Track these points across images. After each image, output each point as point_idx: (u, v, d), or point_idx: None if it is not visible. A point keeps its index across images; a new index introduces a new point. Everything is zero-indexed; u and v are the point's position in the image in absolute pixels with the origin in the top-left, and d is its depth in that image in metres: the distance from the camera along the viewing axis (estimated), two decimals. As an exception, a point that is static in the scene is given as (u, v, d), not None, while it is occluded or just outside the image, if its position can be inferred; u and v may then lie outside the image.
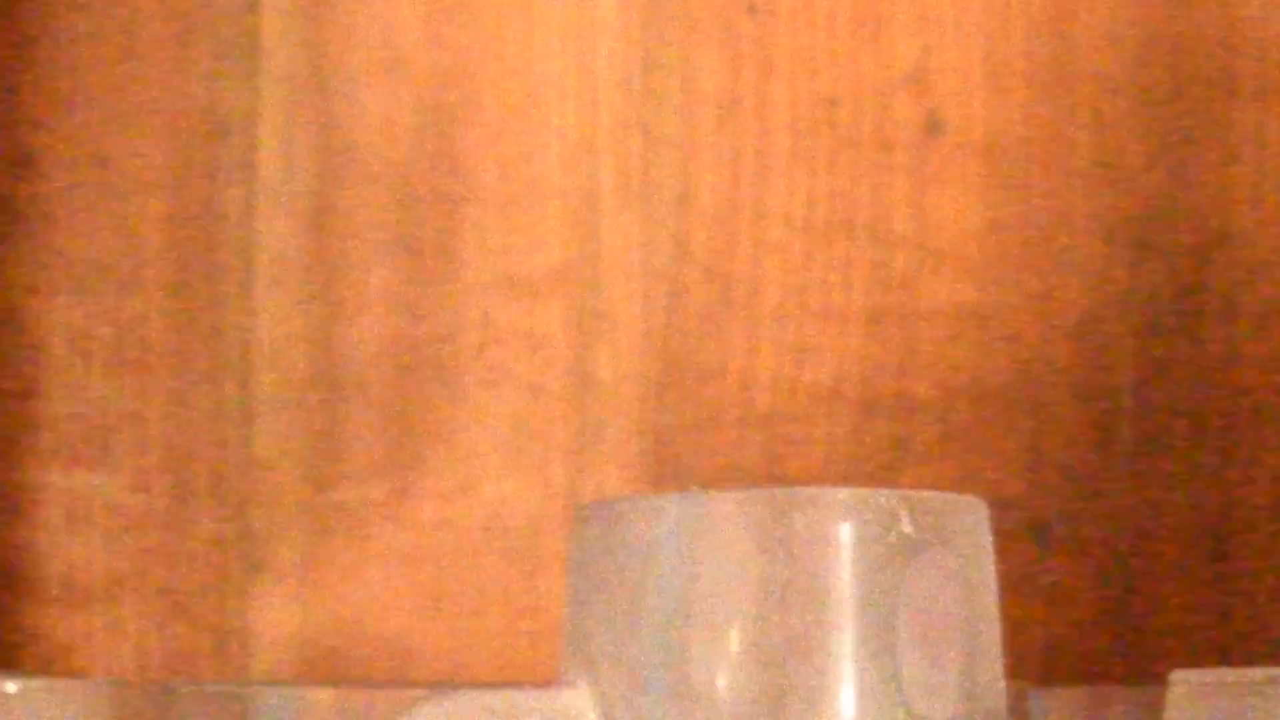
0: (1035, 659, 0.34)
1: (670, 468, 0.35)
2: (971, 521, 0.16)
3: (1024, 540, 0.35)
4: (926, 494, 0.16)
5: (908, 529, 0.15)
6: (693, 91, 0.36)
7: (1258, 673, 0.13)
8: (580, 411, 0.35)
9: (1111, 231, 0.35)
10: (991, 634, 0.16)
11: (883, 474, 0.35)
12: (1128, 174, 0.35)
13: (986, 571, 0.16)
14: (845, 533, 0.15)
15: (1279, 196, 0.35)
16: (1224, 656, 0.33)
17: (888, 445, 0.35)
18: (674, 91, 0.36)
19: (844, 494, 0.16)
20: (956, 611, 0.16)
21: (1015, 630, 0.18)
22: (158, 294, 0.36)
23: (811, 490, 0.17)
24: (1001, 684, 0.17)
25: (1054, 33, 0.35)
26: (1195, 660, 0.32)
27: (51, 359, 0.36)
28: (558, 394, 0.35)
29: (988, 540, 0.17)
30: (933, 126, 0.36)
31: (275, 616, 0.36)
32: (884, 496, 0.16)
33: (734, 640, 0.15)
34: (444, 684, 0.29)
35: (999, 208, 0.35)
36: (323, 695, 0.24)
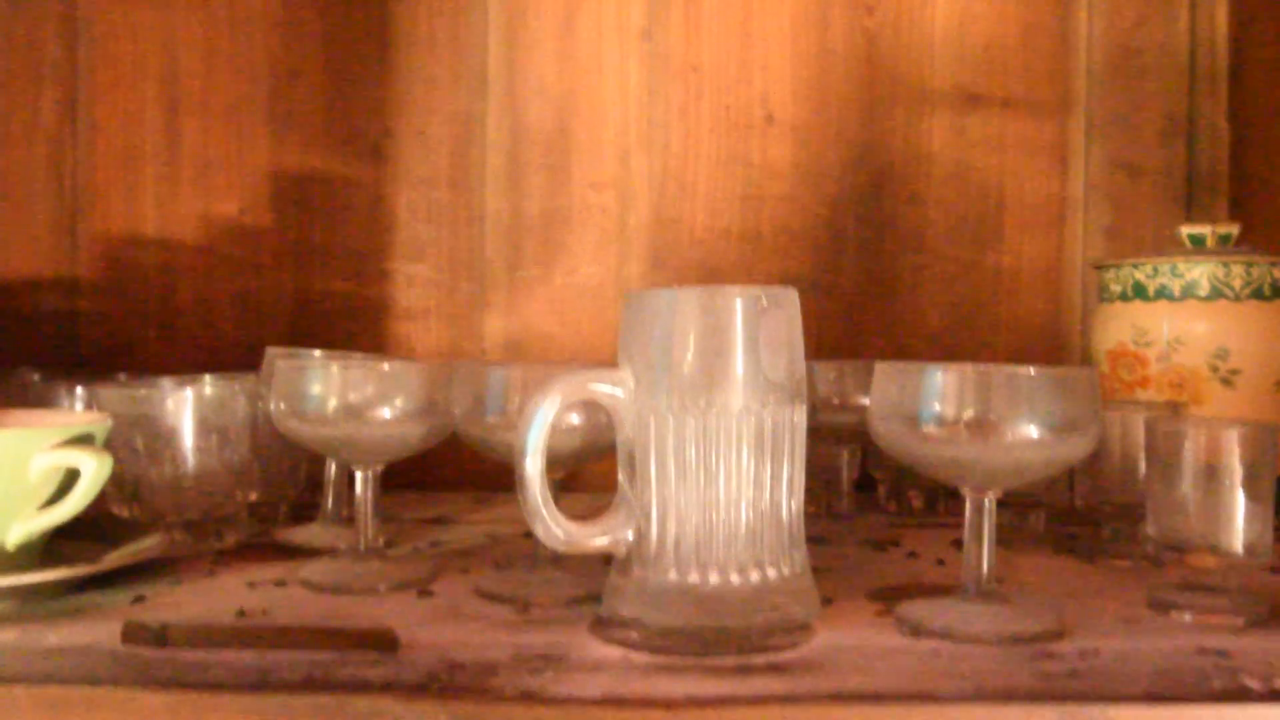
0: (818, 349, 0.83)
1: (660, 263, 0.85)
2: (790, 297, 0.45)
3: (808, 291, 0.84)
4: (773, 287, 0.45)
5: (765, 303, 0.51)
6: (670, 106, 0.84)
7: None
8: (621, 240, 0.85)
9: (847, 165, 0.84)
10: (798, 347, 0.45)
11: (748, 263, 0.84)
12: (838, 151, 0.84)
13: (796, 320, 0.45)
14: (739, 305, 0.44)
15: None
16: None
17: (750, 253, 0.84)
18: (663, 105, 0.85)
19: (738, 289, 0.44)
20: (784, 337, 0.44)
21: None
22: (445, 185, 0.85)
23: (725, 287, 0.44)
24: (803, 366, 0.45)
25: (819, 81, 0.84)
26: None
27: (400, 219, 0.85)
28: (613, 232, 0.85)
29: (796, 306, 0.46)
30: (769, 118, 0.84)
31: (494, 327, 0.85)
32: (756, 290, 0.44)
33: (690, 350, 0.42)
34: (567, 361, 0.79)
35: (799, 153, 0.84)
36: (514, 371, 0.74)
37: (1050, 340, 0.84)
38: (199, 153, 0.85)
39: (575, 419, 0.49)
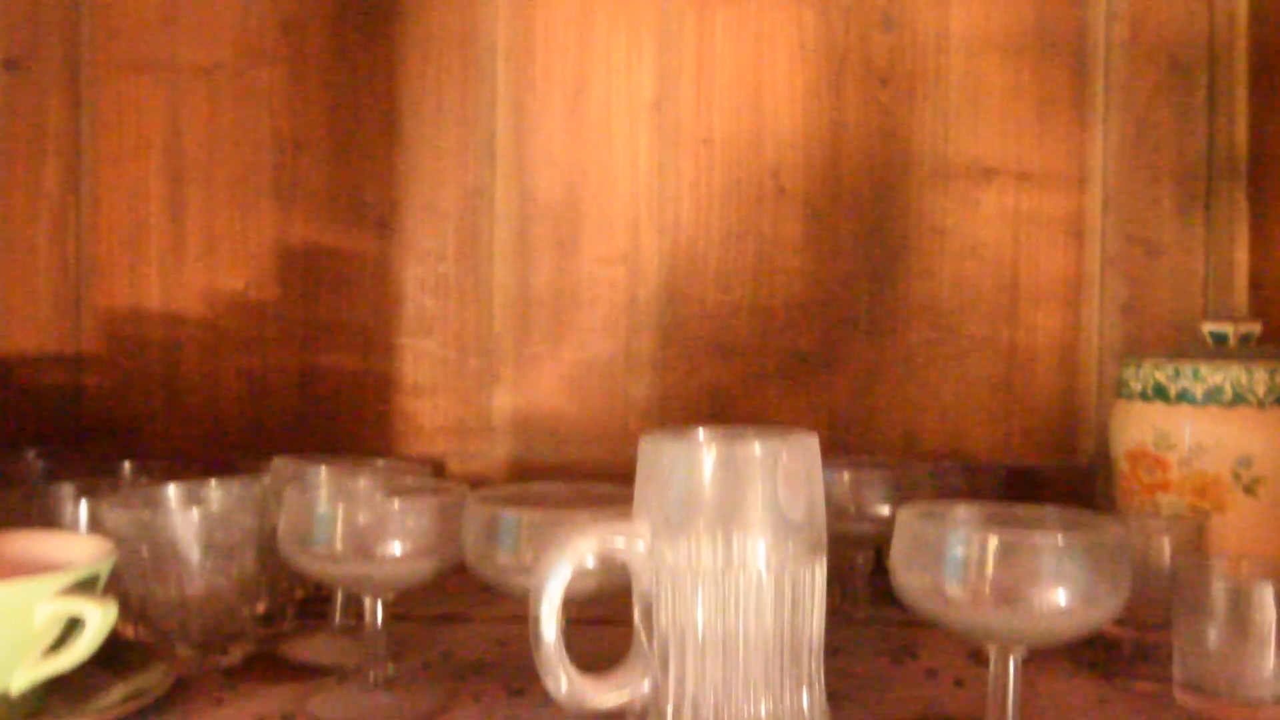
0: (830, 426, 0.82)
1: (670, 338, 0.83)
2: (810, 445, 0.43)
3: (819, 368, 0.83)
4: (794, 436, 0.43)
5: (785, 457, 0.42)
6: (681, 179, 0.83)
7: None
8: (631, 315, 0.84)
9: (859, 238, 0.83)
10: (818, 493, 0.43)
11: (759, 339, 0.83)
12: (819, 228, 0.83)
13: (815, 466, 0.43)
14: (756, 450, 0.42)
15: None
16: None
17: (761, 328, 0.83)
18: (673, 178, 0.83)
19: (757, 441, 0.42)
20: (804, 486, 0.42)
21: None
22: (453, 259, 0.84)
23: (744, 440, 0.42)
24: (823, 512, 0.43)
25: (831, 153, 0.83)
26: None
27: (407, 294, 0.84)
28: (622, 307, 0.84)
29: (816, 454, 0.43)
30: (781, 191, 0.83)
31: (502, 402, 0.84)
32: (776, 443, 0.42)
33: (709, 503, 0.41)
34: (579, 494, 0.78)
35: (811, 227, 0.83)
36: (527, 515, 0.72)
37: (1066, 419, 0.83)
38: (203, 226, 0.84)
39: (591, 561, 0.48)
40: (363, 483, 0.57)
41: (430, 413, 0.84)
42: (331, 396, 0.84)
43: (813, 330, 0.83)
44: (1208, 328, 0.66)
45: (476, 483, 0.82)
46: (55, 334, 0.84)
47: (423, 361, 0.84)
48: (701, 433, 0.46)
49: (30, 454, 0.78)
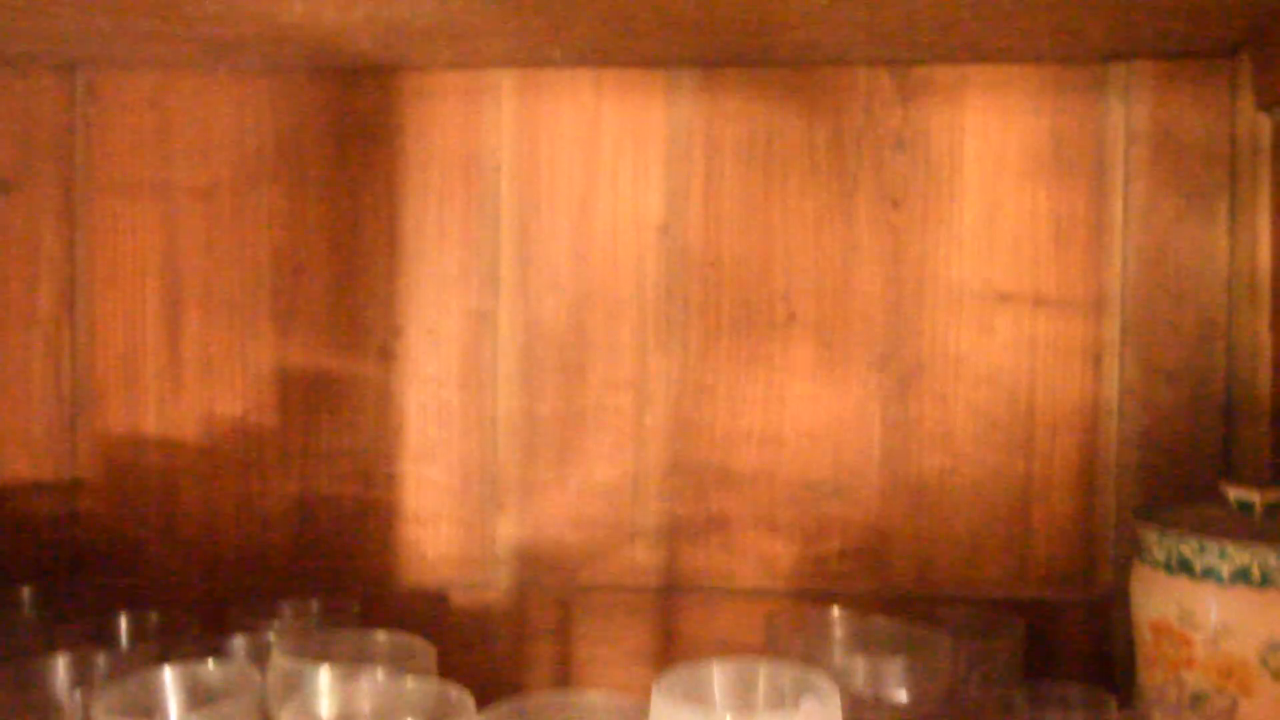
0: (840, 559, 0.80)
1: (678, 466, 0.82)
2: (832, 698, 0.50)
3: (830, 497, 0.81)
4: (810, 674, 0.49)
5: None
6: (689, 303, 0.81)
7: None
8: (638, 443, 0.82)
9: (871, 364, 0.81)
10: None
11: (769, 468, 0.81)
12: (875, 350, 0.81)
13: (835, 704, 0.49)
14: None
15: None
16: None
17: (772, 457, 0.81)
18: (681, 302, 0.82)
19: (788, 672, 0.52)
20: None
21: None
22: (456, 385, 0.82)
23: (754, 667, 0.51)
24: None
25: (843, 277, 0.81)
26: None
27: (409, 421, 0.82)
28: (629, 434, 0.82)
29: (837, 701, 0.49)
30: (791, 317, 0.81)
31: (507, 532, 0.82)
32: (799, 674, 0.49)
33: None
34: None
35: (822, 353, 0.81)
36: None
37: (1083, 549, 0.81)
38: (201, 350, 0.82)
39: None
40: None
41: (433, 541, 0.83)
42: (332, 524, 0.82)
43: (823, 459, 0.82)
44: (1232, 494, 0.64)
45: (480, 614, 0.81)
46: (50, 460, 0.83)
47: (425, 489, 0.82)
48: (716, 686, 0.44)
49: (25, 592, 0.76)
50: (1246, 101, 0.79)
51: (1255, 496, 0.63)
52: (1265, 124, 0.78)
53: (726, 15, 0.70)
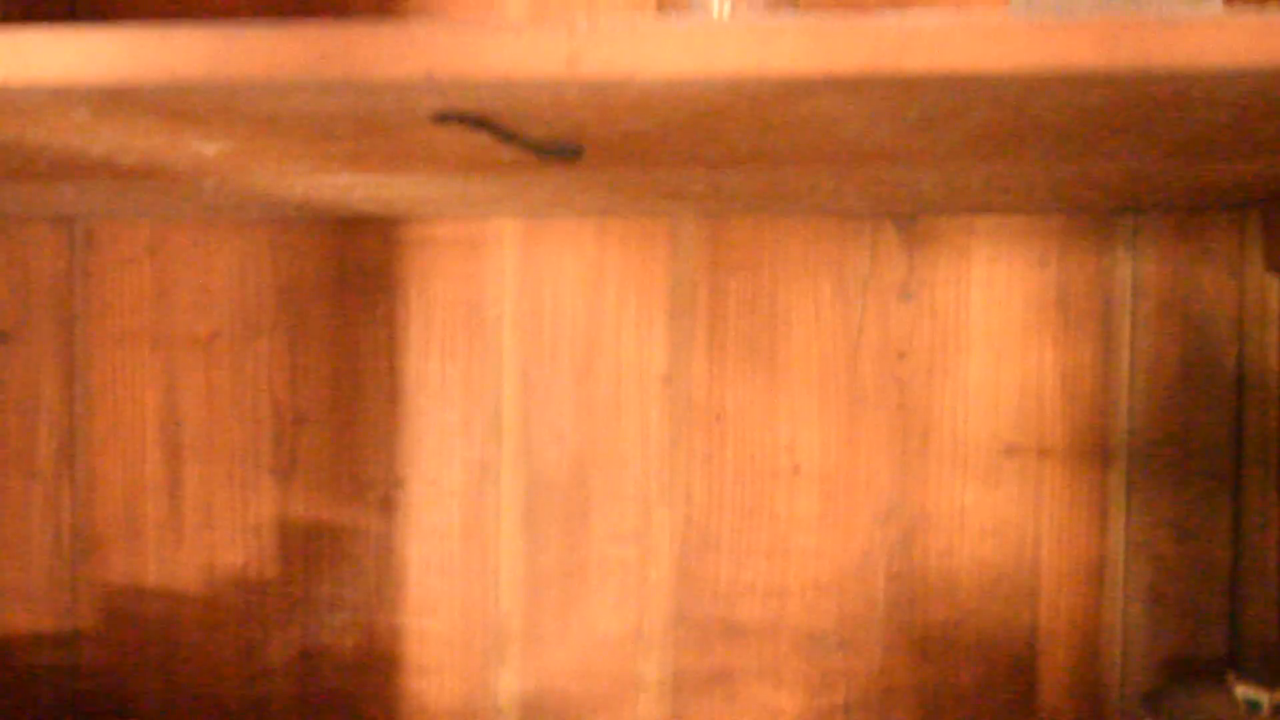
0: (845, 711, 0.80)
1: (682, 619, 0.81)
2: None
3: (835, 650, 0.81)
4: None
5: None
6: (693, 455, 0.81)
7: None
8: (642, 596, 0.81)
9: (877, 517, 0.81)
10: None
11: (773, 620, 0.81)
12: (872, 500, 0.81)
13: None
14: None
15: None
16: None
17: (776, 609, 0.81)
18: (685, 454, 0.81)
19: None
20: None
21: None
22: (459, 537, 0.81)
23: None
24: None
25: (848, 429, 0.81)
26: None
27: (411, 572, 0.82)
28: (633, 587, 0.81)
29: None
30: (796, 468, 0.81)
31: (509, 684, 0.82)
32: None
33: None
34: None
35: (827, 505, 0.81)
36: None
37: (1089, 705, 0.80)
38: (201, 501, 0.82)
39: None
40: None
41: (435, 694, 0.82)
42: (334, 675, 0.82)
43: (827, 611, 0.81)
44: (1240, 692, 0.64)
45: (483, 767, 0.81)
46: (50, 611, 0.82)
47: (427, 641, 0.82)
48: None
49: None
50: (1256, 259, 0.78)
51: (1264, 697, 0.63)
52: (1274, 284, 0.78)
53: (732, 187, 0.69)
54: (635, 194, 0.71)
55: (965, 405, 0.81)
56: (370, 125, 0.48)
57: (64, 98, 0.42)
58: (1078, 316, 0.80)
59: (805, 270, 0.81)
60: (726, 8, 0.54)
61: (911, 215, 0.80)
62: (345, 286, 0.81)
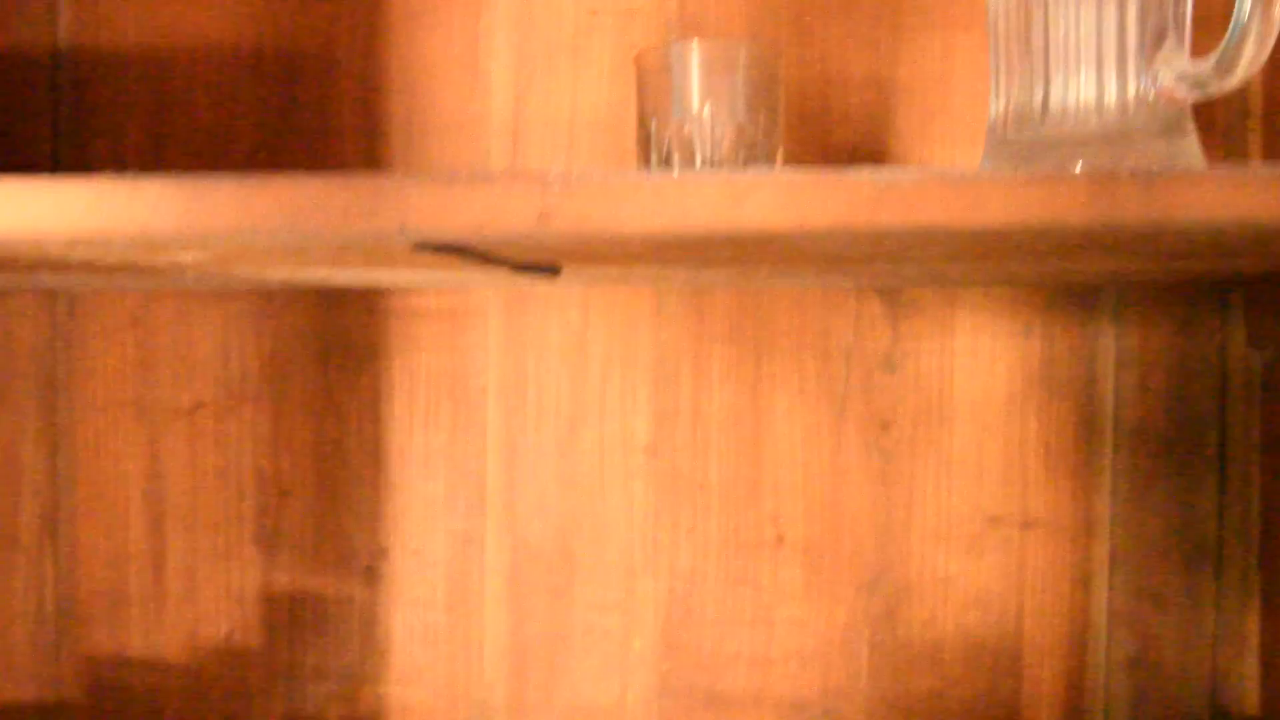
0: None
1: (666, 688, 0.81)
2: None
3: (812, 717, 0.81)
4: None
5: None
6: (677, 526, 0.81)
7: None
8: (625, 666, 0.81)
9: (860, 587, 0.81)
10: None
11: (756, 690, 0.81)
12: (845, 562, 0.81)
13: None
14: None
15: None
16: None
17: (759, 679, 0.81)
18: (669, 525, 0.81)
19: None
20: None
21: None
22: (442, 607, 0.81)
23: None
24: None
25: (831, 500, 0.81)
26: None
27: (395, 642, 0.82)
28: (617, 657, 0.81)
29: None
30: (780, 539, 0.81)
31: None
32: None
33: None
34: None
35: (810, 576, 0.81)
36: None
37: (1071, 775, 0.81)
38: (185, 570, 0.82)
39: None
40: None
41: (420, 758, 0.82)
42: (318, 745, 0.82)
43: (811, 681, 0.81)
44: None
45: (468, 837, 0.81)
46: (33, 682, 0.82)
47: (411, 711, 0.82)
48: None
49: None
50: (1238, 333, 0.79)
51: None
52: (1256, 358, 0.78)
53: (711, 276, 0.69)
54: (617, 279, 0.71)
55: (949, 476, 0.81)
56: (348, 249, 0.48)
57: (37, 247, 0.42)
58: (1061, 387, 0.80)
59: (789, 341, 0.81)
60: (703, 158, 0.54)
61: (896, 288, 0.80)
62: (328, 357, 0.81)
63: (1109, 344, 0.80)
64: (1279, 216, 0.38)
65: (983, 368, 0.81)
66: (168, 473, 0.82)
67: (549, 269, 0.51)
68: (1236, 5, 0.39)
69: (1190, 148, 0.43)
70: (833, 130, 0.80)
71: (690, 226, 0.39)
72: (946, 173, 0.39)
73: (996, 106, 0.48)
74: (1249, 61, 0.39)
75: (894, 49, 0.80)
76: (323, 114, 0.81)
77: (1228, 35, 0.39)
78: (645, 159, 0.58)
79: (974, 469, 0.81)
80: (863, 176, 0.39)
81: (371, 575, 0.82)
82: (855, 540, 0.81)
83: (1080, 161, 0.41)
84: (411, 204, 0.39)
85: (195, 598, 0.82)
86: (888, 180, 0.39)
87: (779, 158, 0.58)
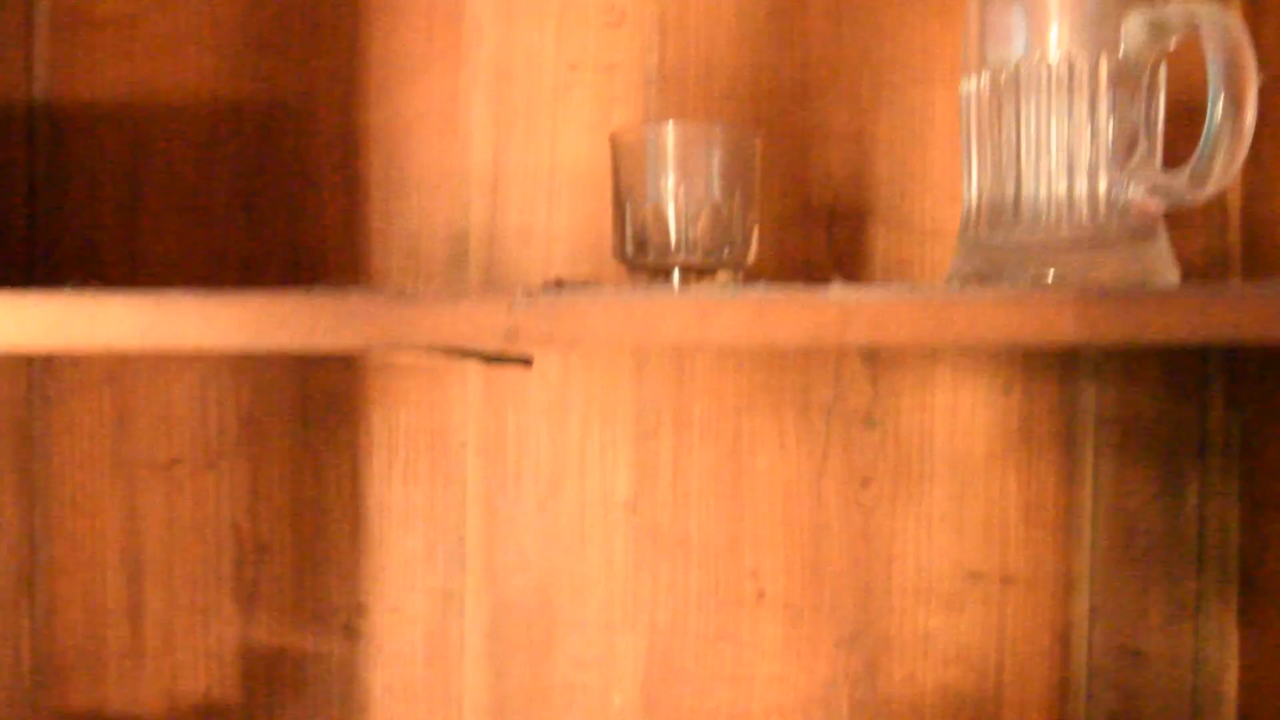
0: None
1: (646, 742, 0.81)
2: None
3: None
4: None
5: None
6: (657, 581, 0.81)
7: None
8: (606, 711, 0.81)
9: (841, 643, 0.81)
10: None
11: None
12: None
13: None
14: None
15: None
16: None
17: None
18: (649, 580, 0.81)
19: None
20: None
21: None
22: (422, 663, 0.81)
23: None
24: None
25: (812, 556, 0.81)
26: None
27: (375, 699, 0.81)
28: (597, 712, 0.81)
29: None
30: (760, 595, 0.81)
31: None
32: None
33: None
34: None
35: (790, 632, 0.81)
36: None
37: (1050, 831, 0.81)
38: (163, 626, 0.81)
39: None
40: None
41: (400, 814, 0.82)
42: (297, 801, 0.81)
43: (792, 737, 0.81)
44: None
45: None
46: (10, 738, 0.82)
47: (391, 766, 0.82)
48: None
49: None
50: (1217, 393, 0.79)
51: None
52: (1235, 418, 0.78)
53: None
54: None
55: (929, 532, 0.81)
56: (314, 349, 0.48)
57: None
58: (1041, 444, 0.80)
59: (770, 397, 0.81)
60: (677, 238, 0.53)
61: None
62: (307, 412, 0.81)
63: (1089, 401, 0.80)
64: (1248, 335, 0.38)
65: (963, 424, 0.81)
66: (145, 528, 0.81)
67: (523, 360, 0.50)
68: (1208, 118, 0.39)
69: (1161, 252, 0.43)
70: (812, 185, 0.80)
71: (658, 341, 0.39)
72: (914, 293, 0.39)
73: (969, 197, 0.48)
74: (1222, 173, 0.39)
75: (874, 103, 0.80)
76: (302, 166, 0.81)
77: (1200, 149, 0.39)
78: (620, 237, 0.57)
79: (954, 525, 0.81)
80: (830, 297, 0.39)
81: (350, 631, 0.81)
82: (835, 596, 0.81)
83: (1051, 271, 0.41)
84: (377, 323, 0.39)
85: (173, 654, 0.81)
86: (855, 301, 0.38)
87: (754, 236, 0.58)
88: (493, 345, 0.39)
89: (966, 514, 0.81)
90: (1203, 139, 0.39)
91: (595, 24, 0.81)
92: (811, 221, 0.80)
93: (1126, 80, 0.41)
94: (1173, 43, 0.41)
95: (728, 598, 0.81)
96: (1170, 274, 0.44)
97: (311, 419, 0.81)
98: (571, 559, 0.81)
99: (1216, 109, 0.38)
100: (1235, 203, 0.78)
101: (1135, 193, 0.41)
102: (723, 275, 0.56)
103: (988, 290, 0.39)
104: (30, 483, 0.81)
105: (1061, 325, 0.38)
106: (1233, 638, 0.80)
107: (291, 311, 0.39)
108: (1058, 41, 0.43)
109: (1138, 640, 0.81)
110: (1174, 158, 0.45)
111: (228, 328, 0.39)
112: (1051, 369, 0.80)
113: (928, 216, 0.80)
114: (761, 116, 0.80)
